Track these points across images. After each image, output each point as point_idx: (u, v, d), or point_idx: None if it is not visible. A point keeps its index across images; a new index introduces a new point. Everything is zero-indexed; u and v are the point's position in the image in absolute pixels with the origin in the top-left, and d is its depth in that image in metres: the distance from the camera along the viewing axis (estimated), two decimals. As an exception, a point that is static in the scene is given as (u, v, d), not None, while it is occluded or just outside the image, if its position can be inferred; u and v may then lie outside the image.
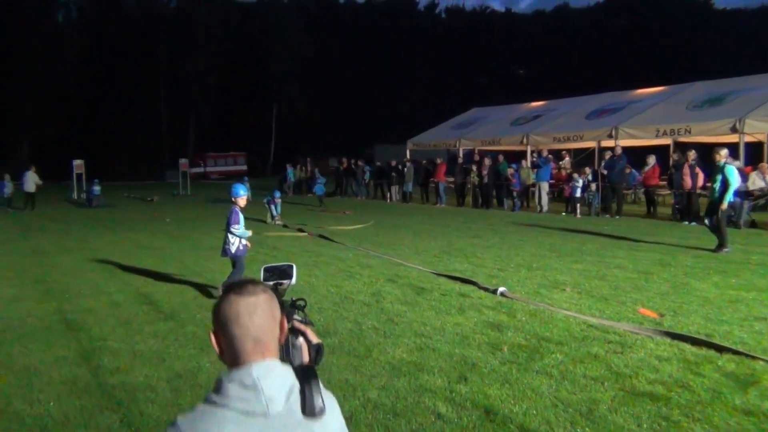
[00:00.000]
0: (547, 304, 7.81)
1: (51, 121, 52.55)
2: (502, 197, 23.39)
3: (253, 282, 1.78)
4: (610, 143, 21.37)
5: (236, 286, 1.76)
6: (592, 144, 24.28)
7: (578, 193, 20.34)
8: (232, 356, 1.73)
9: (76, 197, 30.95)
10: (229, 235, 7.81)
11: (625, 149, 21.90)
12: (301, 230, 16.68)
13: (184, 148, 61.13)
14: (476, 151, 27.18)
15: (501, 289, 8.61)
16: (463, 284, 9.19)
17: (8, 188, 25.63)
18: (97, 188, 26.18)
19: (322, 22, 76.05)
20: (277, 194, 19.48)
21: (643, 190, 21.56)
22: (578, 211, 20.27)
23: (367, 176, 30.36)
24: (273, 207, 18.95)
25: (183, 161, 36.70)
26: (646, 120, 21.15)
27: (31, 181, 25.31)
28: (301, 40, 64.96)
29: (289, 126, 68.44)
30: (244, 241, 7.91)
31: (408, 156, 30.45)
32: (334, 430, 1.76)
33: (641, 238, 13.86)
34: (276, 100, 66.66)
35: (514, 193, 22.59)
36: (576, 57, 77.62)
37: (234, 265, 8.13)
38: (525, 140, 24.91)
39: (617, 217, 19.26)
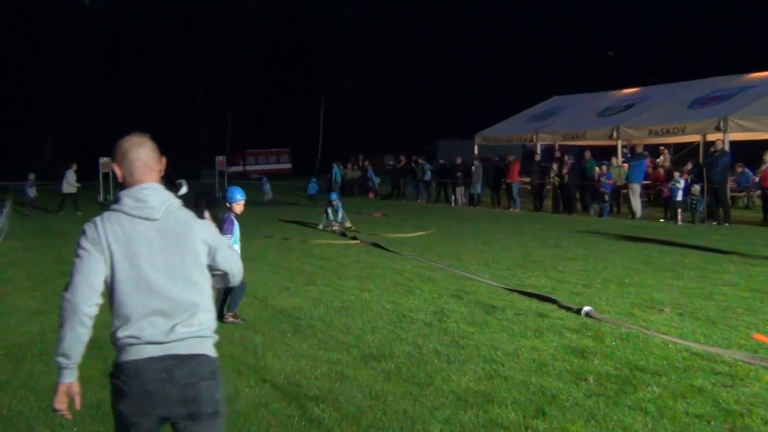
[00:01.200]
0: (642, 327, 7.62)
1: (76, 119, 54.37)
2: (587, 201, 22.79)
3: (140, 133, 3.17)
4: (717, 137, 20.61)
5: (128, 136, 3.10)
6: (695, 138, 23.51)
7: (679, 196, 19.79)
8: (129, 179, 2.98)
9: (102, 199, 31.23)
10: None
11: (737, 144, 21.20)
12: (353, 237, 16.51)
13: (222, 145, 61.22)
14: (557, 147, 26.57)
15: (586, 308, 8.44)
16: (540, 302, 9.02)
17: (32, 190, 26.44)
18: None
19: (377, 1, 76.17)
20: (334, 196, 19.51)
21: (758, 192, 20.87)
22: (679, 217, 19.73)
23: (428, 176, 30.01)
24: (329, 211, 18.97)
25: (220, 159, 36.59)
26: (762, 109, 20.40)
27: (66, 180, 25.92)
28: (353, 23, 64.56)
29: (339, 119, 67.84)
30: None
31: (476, 153, 29.79)
32: (202, 238, 2.97)
33: (756, 251, 13.35)
34: (324, 90, 66.34)
35: (606, 197, 21.93)
36: (679, 34, 74.95)
37: None
38: (615, 133, 24.35)
39: (726, 224, 18.71)
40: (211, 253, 3.05)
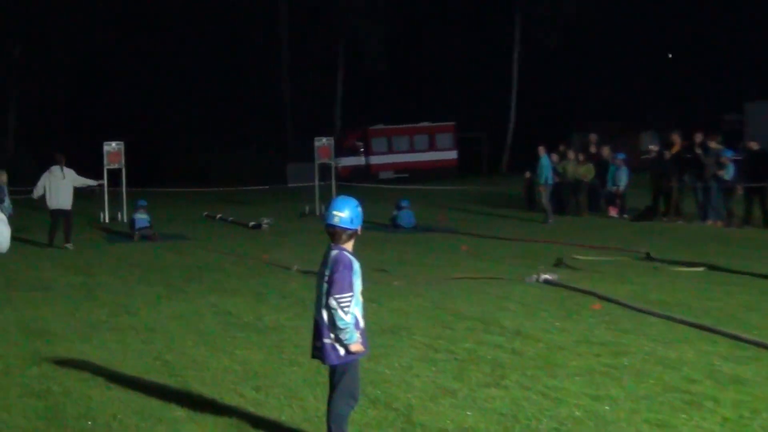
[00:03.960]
0: None
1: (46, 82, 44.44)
2: None
3: None
4: None
5: None
6: None
7: None
8: None
9: (106, 220, 23.75)
10: (338, 315, 5.18)
11: None
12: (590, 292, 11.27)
13: (325, 120, 45.94)
14: None
15: None
16: None
17: (6, 204, 18.23)
18: (143, 216, 19.78)
19: None
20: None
21: None
22: None
23: (728, 173, 19.16)
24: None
25: (322, 143, 25.76)
26: None
27: (50, 185, 17.89)
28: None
29: (541, 72, 47.14)
30: (356, 334, 5.55)
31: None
32: None
33: None
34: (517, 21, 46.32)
35: None
36: None
37: (335, 379, 5.29)
38: None
39: None
40: None
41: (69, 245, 17.89)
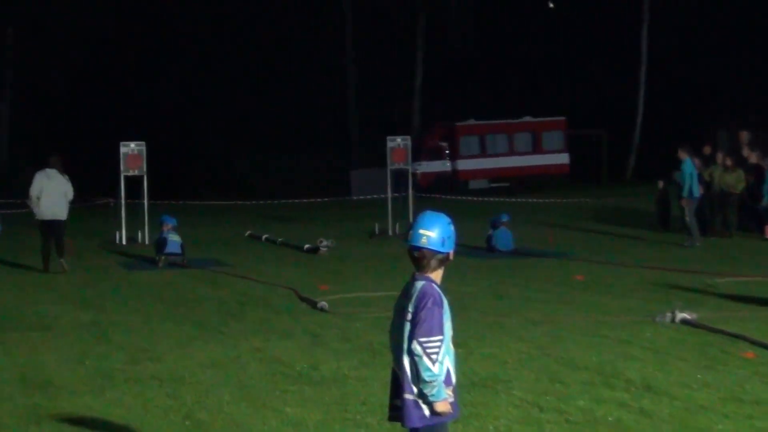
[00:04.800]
0: None
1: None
2: None
3: None
4: None
5: None
6: None
7: None
8: None
9: (123, 241, 24.06)
10: (424, 364, 5.59)
11: None
12: None
13: (400, 115, 47.65)
14: None
15: None
16: None
17: None
18: (174, 238, 20.31)
19: None
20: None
21: None
22: None
23: None
24: None
25: (396, 144, 26.15)
26: None
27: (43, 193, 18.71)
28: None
29: (677, 51, 47.21)
30: (445, 390, 5.71)
31: None
32: None
33: None
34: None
35: None
36: None
37: None
38: None
39: None
40: None
41: (63, 261, 18.02)
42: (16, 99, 46.46)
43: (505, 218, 20.90)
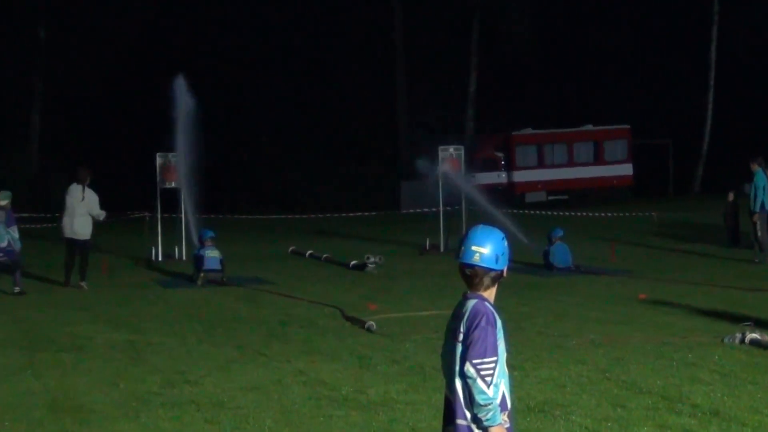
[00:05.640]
0: None
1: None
2: None
3: None
4: None
5: None
6: None
7: None
8: None
9: (159, 258, 23.78)
10: (478, 387, 5.79)
11: None
12: None
13: (453, 123, 46.96)
14: None
15: None
16: None
17: (13, 232, 18.38)
18: (213, 254, 20.12)
19: None
20: None
21: None
22: None
23: None
24: None
25: (448, 154, 25.98)
26: None
27: (70, 208, 18.50)
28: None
29: (750, 55, 47.26)
30: (501, 415, 5.91)
31: None
32: None
33: None
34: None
35: None
36: None
37: None
38: None
39: None
40: None
41: (84, 284, 18.06)
42: (45, 108, 46.54)
43: (559, 233, 20.68)
